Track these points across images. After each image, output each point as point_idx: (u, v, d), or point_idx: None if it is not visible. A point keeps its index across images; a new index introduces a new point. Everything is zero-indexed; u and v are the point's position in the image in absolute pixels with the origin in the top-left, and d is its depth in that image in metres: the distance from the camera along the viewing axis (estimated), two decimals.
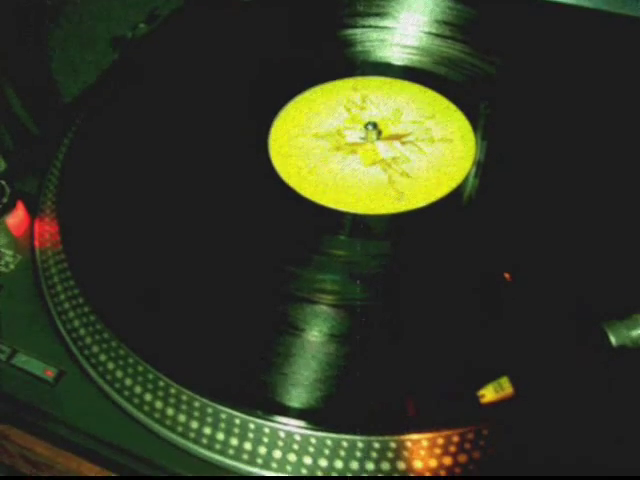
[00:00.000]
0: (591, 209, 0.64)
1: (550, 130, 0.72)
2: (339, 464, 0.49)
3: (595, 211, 0.64)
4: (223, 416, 0.51)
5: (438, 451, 0.48)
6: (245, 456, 0.50)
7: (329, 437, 0.49)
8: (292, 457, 0.49)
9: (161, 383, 0.53)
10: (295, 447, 0.49)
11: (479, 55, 0.82)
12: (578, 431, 0.49)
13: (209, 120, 0.77)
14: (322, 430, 0.49)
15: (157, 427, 0.52)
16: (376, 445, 0.49)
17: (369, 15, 0.88)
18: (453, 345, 0.55)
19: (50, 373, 0.56)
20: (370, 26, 0.87)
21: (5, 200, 0.66)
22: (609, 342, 0.51)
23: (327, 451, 0.49)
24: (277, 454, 0.49)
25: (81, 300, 0.59)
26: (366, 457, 0.48)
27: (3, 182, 0.67)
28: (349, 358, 0.54)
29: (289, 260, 0.61)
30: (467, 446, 0.48)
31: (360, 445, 0.49)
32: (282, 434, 0.50)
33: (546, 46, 0.83)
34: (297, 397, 0.51)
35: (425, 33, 0.85)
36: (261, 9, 0.91)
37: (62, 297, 0.60)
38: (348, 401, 0.52)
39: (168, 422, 0.52)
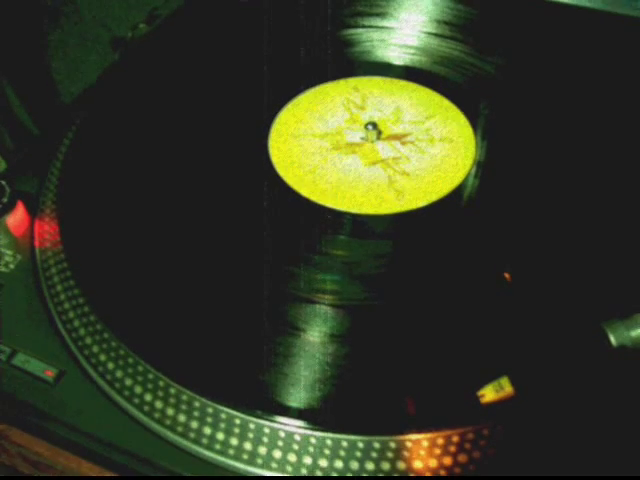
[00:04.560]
0: (591, 209, 0.64)
1: (550, 130, 0.72)
2: (339, 464, 0.49)
3: (595, 211, 0.64)
4: (223, 416, 0.51)
5: (438, 451, 0.48)
6: (245, 456, 0.50)
7: (329, 437, 0.49)
8: (292, 457, 0.49)
9: (161, 383, 0.53)
10: (295, 447, 0.49)
11: (479, 55, 0.82)
12: (578, 431, 0.49)
13: (209, 120, 0.77)
14: (322, 430, 0.49)
15: (157, 427, 0.52)
16: (376, 445, 0.49)
17: (369, 15, 0.88)
18: (453, 345, 0.55)
19: (50, 373, 0.56)
20: (370, 26, 0.87)
21: (5, 200, 0.66)
22: (609, 342, 0.51)
23: (327, 451, 0.49)
24: (277, 454, 0.49)
25: (81, 300, 0.59)
26: (366, 457, 0.48)
27: (3, 182, 0.67)
28: (349, 358, 0.54)
29: (289, 260, 0.61)
30: (467, 446, 0.48)
31: (360, 445, 0.49)
32: (282, 434, 0.50)
33: (546, 46, 0.83)
34: (297, 397, 0.51)
35: (425, 33, 0.85)
36: (260, 9, 0.91)
37: (62, 297, 0.60)
38: (348, 401, 0.52)
39: (168, 422, 0.52)
